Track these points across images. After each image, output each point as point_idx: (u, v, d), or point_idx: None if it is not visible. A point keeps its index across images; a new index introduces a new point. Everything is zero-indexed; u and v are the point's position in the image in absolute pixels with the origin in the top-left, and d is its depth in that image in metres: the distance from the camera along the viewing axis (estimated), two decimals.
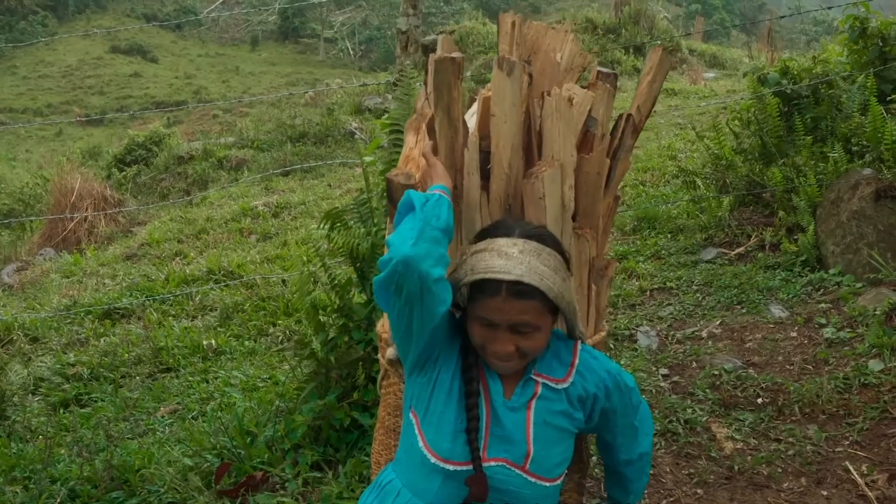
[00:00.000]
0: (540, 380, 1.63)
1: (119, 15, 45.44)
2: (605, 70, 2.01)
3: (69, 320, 5.33)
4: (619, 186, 6.94)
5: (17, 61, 39.06)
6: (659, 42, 15.06)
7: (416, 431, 1.61)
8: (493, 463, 1.57)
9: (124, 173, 11.50)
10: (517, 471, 1.58)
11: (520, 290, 1.51)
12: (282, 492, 2.74)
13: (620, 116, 2.01)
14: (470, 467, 1.55)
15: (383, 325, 2.02)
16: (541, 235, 1.62)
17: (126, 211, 9.19)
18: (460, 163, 1.79)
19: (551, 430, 1.62)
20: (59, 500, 2.86)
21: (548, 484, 1.61)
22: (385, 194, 3.02)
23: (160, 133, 12.49)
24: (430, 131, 1.82)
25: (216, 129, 18.75)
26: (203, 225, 7.81)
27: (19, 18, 40.88)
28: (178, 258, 6.90)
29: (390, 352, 1.92)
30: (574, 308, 1.64)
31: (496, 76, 1.78)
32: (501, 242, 1.57)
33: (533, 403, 1.61)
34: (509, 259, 1.53)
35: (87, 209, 8.99)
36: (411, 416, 1.64)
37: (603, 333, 2.05)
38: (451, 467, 1.56)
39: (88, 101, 33.54)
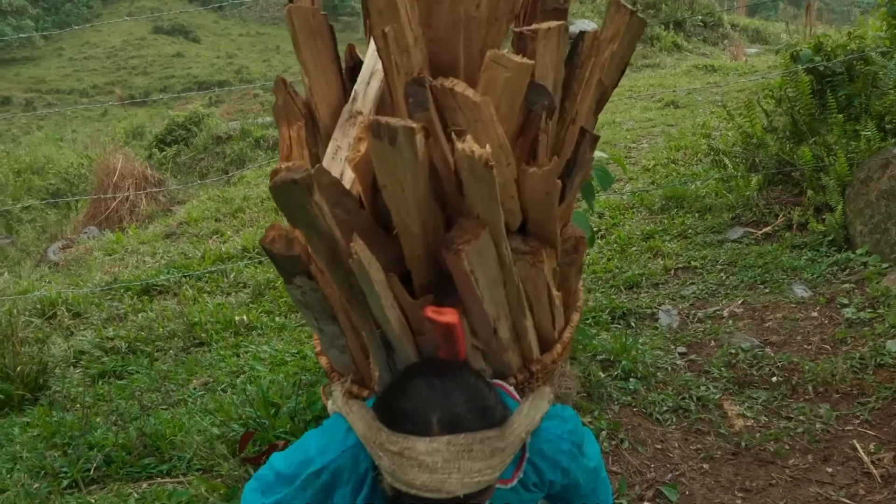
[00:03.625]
0: None
1: None
2: None
3: (109, 296, 5.52)
4: (652, 166, 6.67)
5: (63, 43, 39.84)
6: (699, 17, 14.75)
7: None
8: None
9: (164, 153, 11.77)
10: None
11: (460, 501, 1.27)
12: None
13: (568, 123, 1.55)
14: None
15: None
16: (465, 416, 1.30)
17: (166, 190, 9.42)
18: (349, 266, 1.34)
19: None
20: (95, 464, 3.03)
21: None
22: None
23: (200, 113, 12.72)
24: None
25: (256, 108, 19.02)
26: (240, 204, 7.96)
27: (64, 1, 41.67)
28: (215, 236, 7.07)
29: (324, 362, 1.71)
30: (524, 436, 1.40)
31: (374, 147, 1.25)
32: (420, 449, 1.26)
33: None
34: (433, 473, 1.24)
35: (128, 189, 9.25)
36: None
37: (573, 326, 1.77)
38: None
39: (132, 81, 34.11)
